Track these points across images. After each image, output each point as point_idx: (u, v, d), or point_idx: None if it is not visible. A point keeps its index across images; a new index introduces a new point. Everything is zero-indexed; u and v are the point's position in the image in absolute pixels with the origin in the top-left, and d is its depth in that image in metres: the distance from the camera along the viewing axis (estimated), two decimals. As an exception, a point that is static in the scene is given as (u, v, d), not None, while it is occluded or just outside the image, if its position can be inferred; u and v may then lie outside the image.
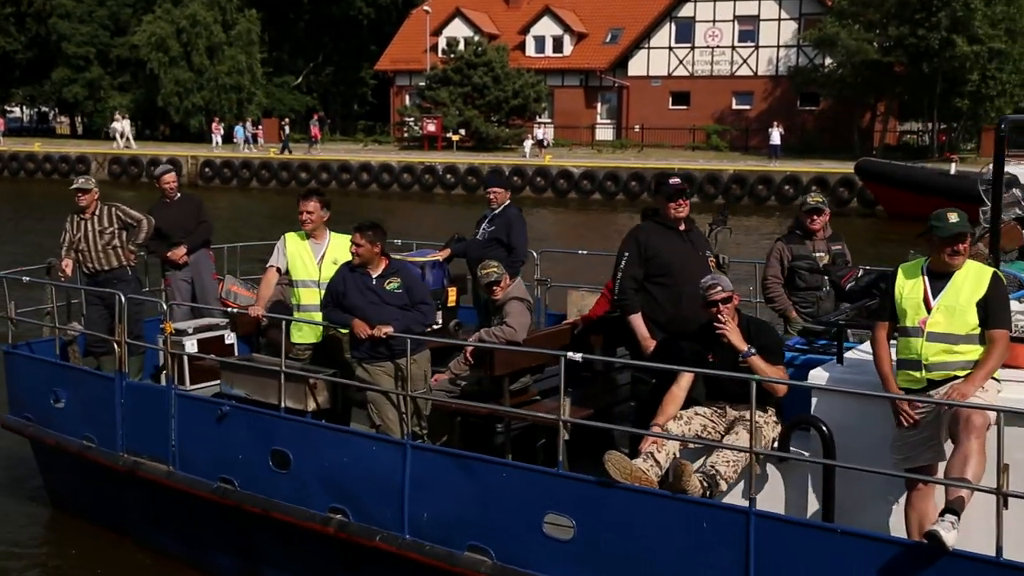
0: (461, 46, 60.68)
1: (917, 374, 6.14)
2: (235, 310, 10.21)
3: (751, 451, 6.22)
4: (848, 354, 7.00)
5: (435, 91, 59.00)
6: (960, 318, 6.03)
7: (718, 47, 60.13)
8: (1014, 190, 9.33)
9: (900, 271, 6.35)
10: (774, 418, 6.78)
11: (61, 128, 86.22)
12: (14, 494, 11.08)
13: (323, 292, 8.58)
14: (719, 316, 6.91)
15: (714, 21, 59.98)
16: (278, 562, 8.53)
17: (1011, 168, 36.76)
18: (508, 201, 10.60)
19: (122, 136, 58.09)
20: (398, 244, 11.85)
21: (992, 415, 5.63)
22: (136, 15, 69.34)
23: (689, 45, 60.63)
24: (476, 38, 62.24)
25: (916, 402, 6.01)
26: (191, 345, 9.90)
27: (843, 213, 39.59)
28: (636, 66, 62.03)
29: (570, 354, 6.84)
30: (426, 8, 63.54)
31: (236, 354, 10.36)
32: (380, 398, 8.02)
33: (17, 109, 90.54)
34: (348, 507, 7.73)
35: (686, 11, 60.48)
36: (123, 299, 9.20)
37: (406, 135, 61.79)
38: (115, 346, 10.33)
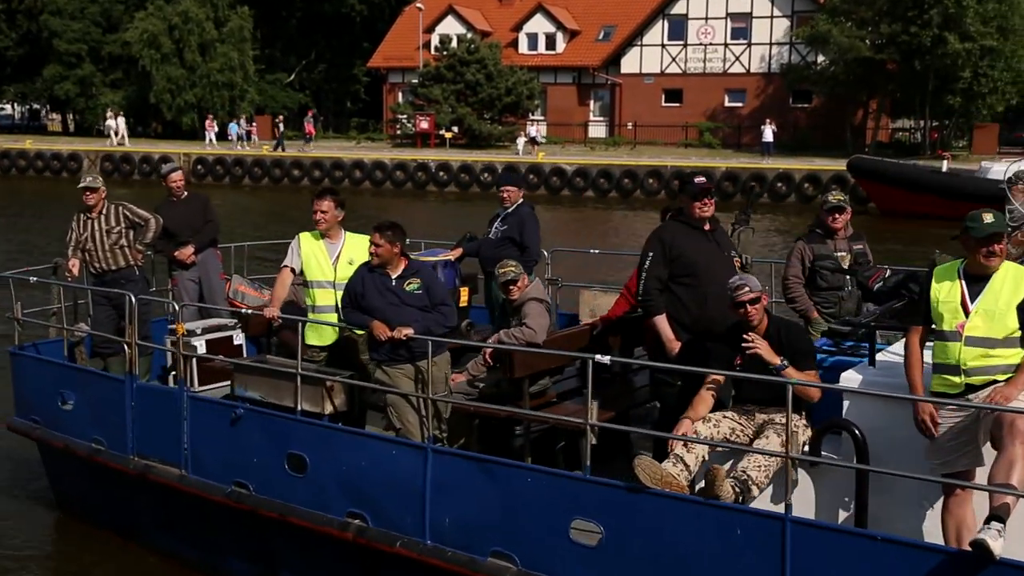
0: (454, 43, 60.67)
1: (955, 379, 6.01)
2: (249, 311, 10.06)
3: (787, 456, 6.07)
4: (878, 356, 6.89)
5: (428, 88, 58.99)
6: (1000, 322, 5.91)
7: (711, 44, 60.20)
8: None
9: (936, 274, 6.22)
10: (804, 422, 6.64)
11: (53, 125, 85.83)
12: (20, 497, 10.94)
13: (338, 293, 8.47)
14: (748, 318, 6.78)
15: (707, 18, 60.04)
16: (294, 567, 8.40)
17: (1000, 166, 36.68)
18: (521, 199, 10.49)
19: (116, 134, 57.97)
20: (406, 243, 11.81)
21: None
22: (128, 12, 69.02)
23: (682, 42, 60.70)
24: (469, 35, 62.23)
25: (949, 408, 5.91)
26: (200, 346, 9.74)
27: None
28: (629, 63, 62.08)
29: (598, 357, 6.70)
30: (419, 5, 63.45)
31: (245, 355, 10.23)
32: (400, 401, 7.87)
33: (8, 106, 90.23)
34: (367, 512, 7.60)
35: (679, 8, 60.53)
36: (133, 300, 9.04)
37: (399, 132, 61.78)
38: (124, 347, 10.11)
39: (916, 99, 51.56)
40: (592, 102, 64.29)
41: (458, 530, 7.18)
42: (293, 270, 8.84)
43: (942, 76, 48.74)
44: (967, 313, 5.99)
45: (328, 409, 8.07)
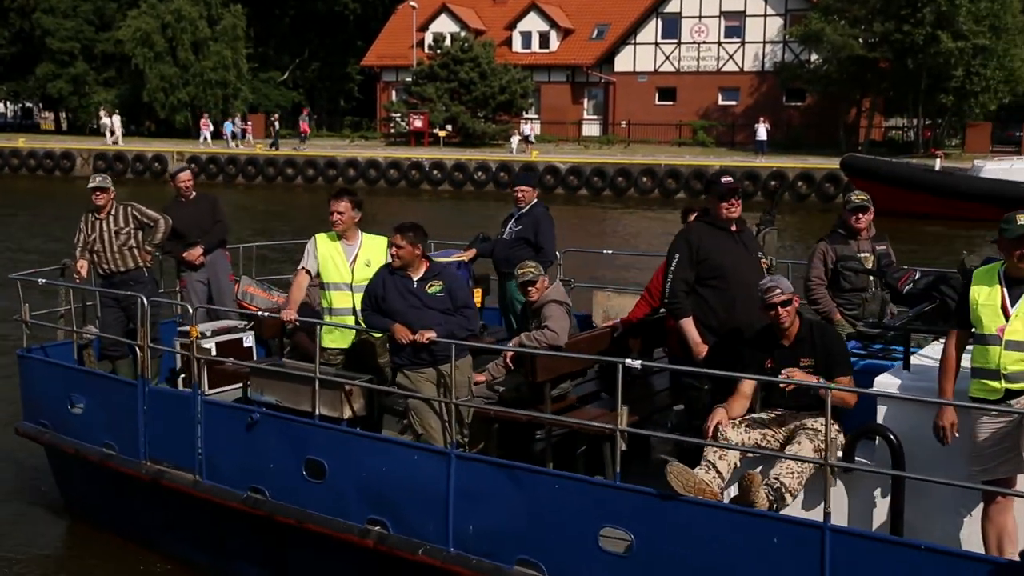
0: (448, 42, 60.71)
1: (995, 384, 5.90)
2: (265, 313, 9.86)
3: (826, 464, 5.91)
4: (912, 359, 6.78)
5: (422, 87, 58.96)
6: None
7: (704, 43, 60.27)
8: None
9: (975, 276, 6.11)
10: (836, 426, 6.37)
11: (45, 124, 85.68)
12: (29, 503, 10.78)
13: (355, 295, 8.36)
14: (779, 320, 6.66)
15: (700, 17, 60.11)
16: (312, 575, 8.28)
17: (992, 164, 36.75)
18: (536, 199, 10.38)
19: (112, 132, 57.86)
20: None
21: None
22: (121, 10, 68.75)
23: (675, 41, 60.75)
24: (463, 34, 62.24)
25: (991, 414, 5.83)
26: (211, 349, 9.62)
27: (829, 209, 39.87)
28: (622, 62, 62.12)
29: (628, 361, 6.57)
30: (412, 4, 63.44)
31: (254, 357, 10.13)
32: (422, 406, 7.73)
33: (1, 105, 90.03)
34: (388, 519, 7.45)
35: (672, 7, 60.56)
36: (145, 302, 8.90)
37: (393, 131, 61.74)
38: (136, 350, 9.95)
39: (909, 97, 51.68)
40: (586, 100, 64.32)
41: (482, 537, 7.04)
42: (309, 272, 8.67)
43: (935, 75, 48.85)
44: (1007, 317, 5.88)
45: (347, 414, 7.93)
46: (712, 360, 7.22)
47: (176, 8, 64.35)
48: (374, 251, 8.64)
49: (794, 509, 6.36)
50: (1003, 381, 5.88)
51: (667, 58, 61.10)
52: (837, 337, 6.97)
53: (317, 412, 7.90)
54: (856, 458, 6.30)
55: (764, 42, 59.22)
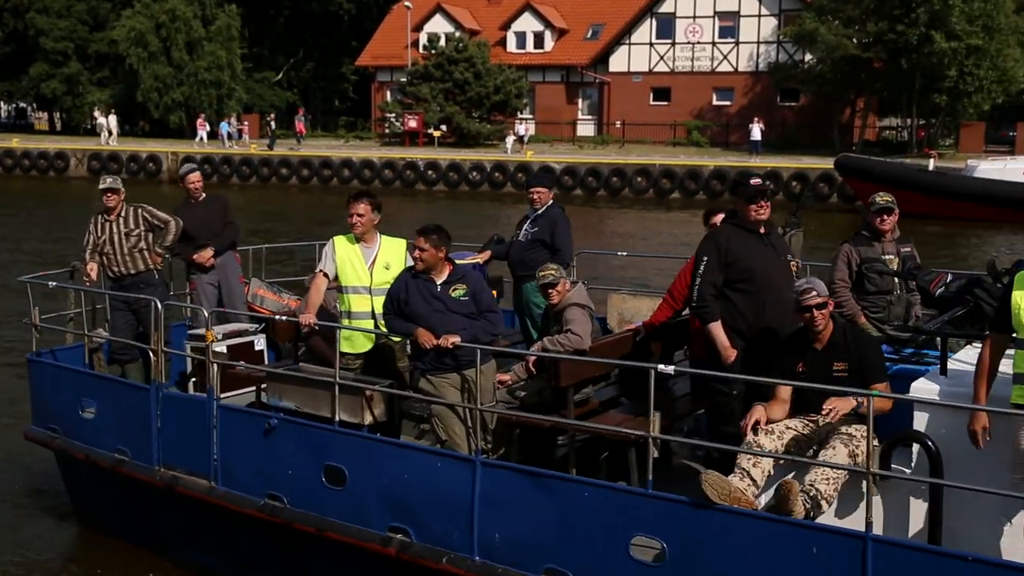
0: (442, 42, 60.75)
1: None
2: (282, 317, 9.62)
3: (868, 472, 5.77)
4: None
5: (416, 87, 59.04)
6: None
7: (698, 43, 60.40)
8: None
9: (1017, 279, 5.97)
10: (860, 442, 6.27)
11: (39, 124, 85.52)
12: (37, 508, 10.64)
13: (374, 298, 8.23)
14: (813, 324, 6.54)
15: (694, 17, 60.24)
16: None
17: (986, 164, 36.86)
18: (552, 201, 10.24)
19: (110, 133, 57.81)
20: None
21: None
22: (115, 10, 68.64)
23: (670, 41, 60.89)
24: (457, 34, 62.26)
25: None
26: (223, 352, 9.47)
27: (823, 209, 40.03)
28: (617, 62, 62.23)
29: (661, 367, 6.43)
30: (407, 4, 63.53)
31: (266, 361, 10.00)
32: (446, 412, 7.56)
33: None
34: (410, 526, 7.30)
35: (667, 7, 60.69)
36: (159, 305, 8.71)
37: (387, 131, 61.83)
38: (149, 353, 9.78)
39: (903, 97, 51.87)
40: (580, 101, 64.46)
41: (509, 546, 6.90)
42: (327, 275, 8.48)
43: (928, 75, 49.00)
44: None
45: (368, 419, 7.78)
46: (742, 364, 7.13)
47: (170, 8, 64.25)
48: (393, 254, 8.51)
49: (827, 517, 6.25)
50: None
51: (661, 58, 61.21)
52: (872, 342, 6.83)
53: (337, 418, 7.75)
54: (892, 465, 6.19)
55: (758, 42, 59.35)
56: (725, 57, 60.12)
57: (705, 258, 7.38)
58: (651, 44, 61.39)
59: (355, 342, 8.41)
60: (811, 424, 6.52)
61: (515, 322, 10.69)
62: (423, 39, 63.44)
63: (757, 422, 6.39)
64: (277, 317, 9.51)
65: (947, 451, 5.95)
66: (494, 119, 59.46)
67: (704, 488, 6.09)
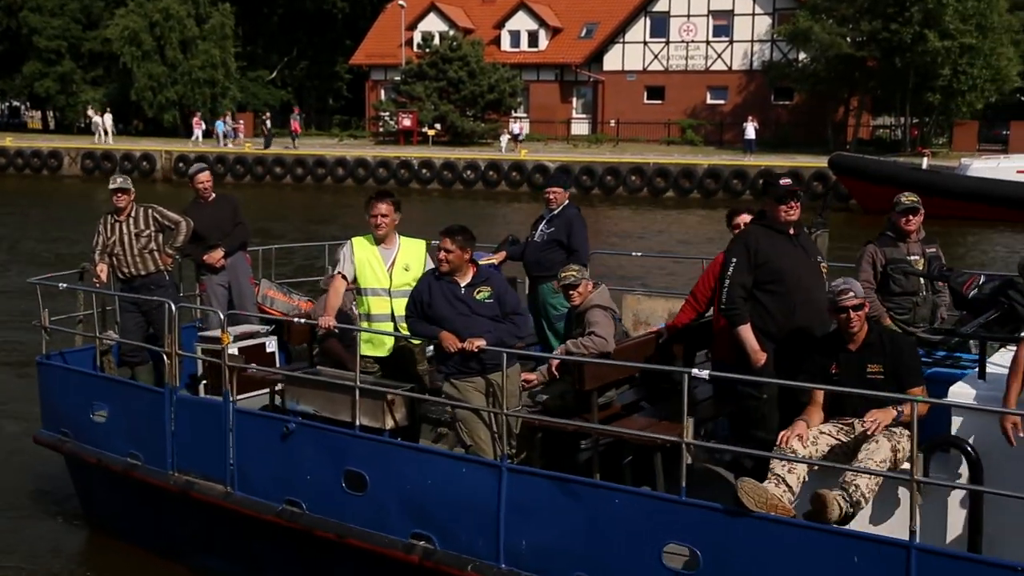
0: (436, 40, 60.77)
1: None
2: (301, 320, 9.42)
3: (912, 480, 5.60)
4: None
5: (410, 86, 59.01)
6: None
7: (692, 42, 60.52)
8: None
9: None
10: (904, 438, 6.16)
11: (33, 123, 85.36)
12: (47, 513, 10.51)
13: (394, 301, 8.10)
14: (849, 325, 6.44)
15: (688, 16, 60.33)
16: None
17: (979, 163, 36.82)
18: (567, 201, 10.16)
19: (105, 132, 57.73)
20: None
21: None
22: (108, 9, 68.50)
23: (664, 40, 60.97)
24: (451, 32, 62.33)
25: None
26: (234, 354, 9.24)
27: (818, 207, 40.01)
28: (611, 61, 62.33)
29: (695, 371, 6.34)
30: (401, 2, 63.41)
31: (277, 363, 9.90)
32: (471, 416, 7.41)
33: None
34: (433, 533, 7.15)
35: (661, 6, 60.79)
36: (174, 308, 8.61)
37: (382, 130, 61.74)
38: (150, 355, 9.90)
39: (896, 96, 51.98)
40: (575, 99, 64.52)
41: (536, 553, 6.76)
42: (346, 277, 8.29)
43: (922, 73, 49.11)
44: None
45: (389, 424, 7.64)
46: (775, 367, 7.02)
47: (164, 7, 64.13)
48: (413, 255, 8.36)
49: (863, 524, 6.14)
50: None
51: (656, 57, 61.31)
52: (909, 344, 6.72)
53: (358, 422, 7.60)
54: (930, 471, 6.07)
55: (752, 41, 59.47)
56: (719, 56, 60.22)
57: (734, 260, 7.26)
58: (645, 43, 61.47)
59: (375, 345, 8.24)
60: (845, 428, 6.41)
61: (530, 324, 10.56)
62: (417, 38, 63.39)
63: (799, 436, 6.24)
64: (295, 320, 9.38)
65: (986, 457, 5.86)
66: (488, 118, 59.51)
67: (740, 496, 5.97)
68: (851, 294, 6.44)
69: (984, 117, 57.04)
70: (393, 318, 8.18)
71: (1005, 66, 49.77)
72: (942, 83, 48.87)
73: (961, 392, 6.29)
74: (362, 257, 8.26)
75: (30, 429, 10.63)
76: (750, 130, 49.81)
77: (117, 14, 65.46)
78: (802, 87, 55.23)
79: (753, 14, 59.20)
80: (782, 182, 7.30)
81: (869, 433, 6.12)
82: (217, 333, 9.12)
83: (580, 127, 63.01)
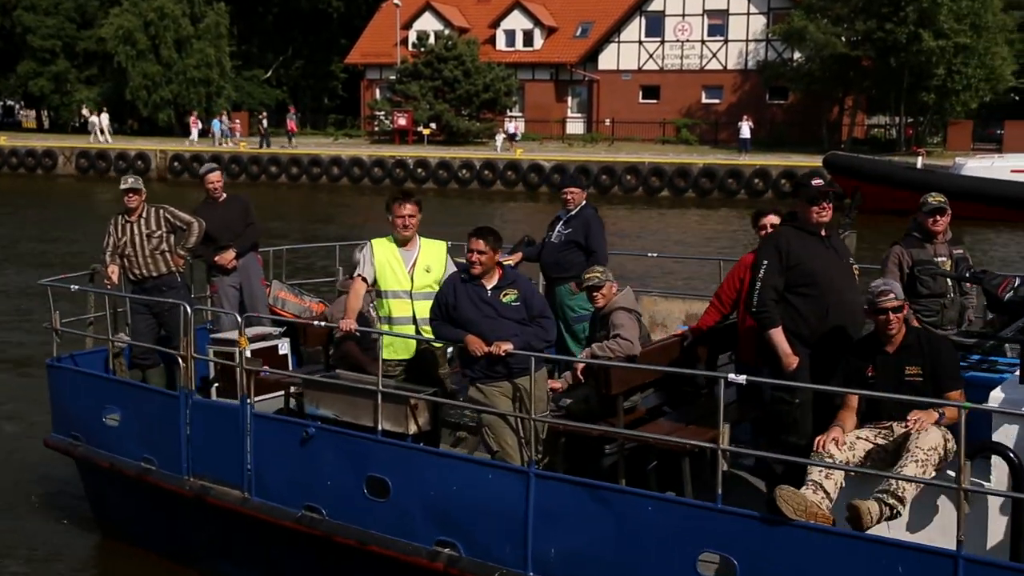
0: (431, 40, 60.83)
1: None
2: (320, 323, 9.29)
3: (959, 488, 5.47)
4: (1016, 373, 6.37)
5: (406, 85, 59.00)
6: None
7: (687, 41, 60.57)
8: None
9: None
10: (950, 435, 5.99)
11: (27, 122, 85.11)
12: (58, 518, 10.40)
13: (415, 303, 7.97)
14: (887, 327, 6.32)
15: (683, 15, 60.37)
16: None
17: (974, 162, 36.84)
18: (584, 201, 10.05)
19: (102, 132, 57.63)
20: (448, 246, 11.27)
21: None
22: (103, 8, 68.21)
23: (659, 39, 61.03)
24: (446, 32, 62.34)
25: None
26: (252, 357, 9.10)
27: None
28: (606, 60, 62.34)
29: (731, 376, 6.19)
30: (396, 2, 63.39)
31: (290, 366, 9.80)
32: (498, 421, 7.29)
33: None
34: (459, 541, 7.02)
35: (656, 5, 60.83)
36: (189, 310, 8.49)
37: (377, 129, 61.75)
38: (162, 358, 9.82)
39: (891, 96, 52.01)
40: (570, 99, 64.51)
41: (565, 561, 6.62)
42: (366, 279, 8.08)
43: (917, 73, 49.19)
44: None
45: (412, 429, 7.49)
46: (810, 371, 6.89)
47: (159, 6, 63.94)
48: (434, 256, 8.19)
49: (898, 531, 6.02)
50: None
51: (651, 56, 61.36)
52: (948, 346, 6.55)
53: (380, 427, 7.46)
54: (971, 478, 5.86)
55: (747, 40, 59.55)
56: (714, 55, 60.30)
57: (765, 262, 7.06)
58: (640, 42, 61.51)
59: (397, 348, 8.05)
60: (883, 431, 6.30)
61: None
62: (412, 37, 63.54)
63: (835, 441, 6.14)
64: (313, 322, 9.25)
65: None
66: (483, 117, 59.50)
67: (779, 504, 5.85)
68: (891, 295, 6.34)
69: (978, 116, 57.13)
70: (415, 320, 8.04)
71: (999, 65, 49.93)
72: (936, 83, 48.96)
73: (1002, 397, 6.17)
74: (382, 259, 8.08)
75: (30, 430, 10.64)
76: (745, 129, 49.84)
77: (111, 13, 65.21)
78: (797, 86, 55.31)
79: (748, 13, 59.28)
80: (814, 182, 7.10)
81: (913, 432, 5.99)
82: (230, 335, 9.03)
83: (575, 126, 63.05)
